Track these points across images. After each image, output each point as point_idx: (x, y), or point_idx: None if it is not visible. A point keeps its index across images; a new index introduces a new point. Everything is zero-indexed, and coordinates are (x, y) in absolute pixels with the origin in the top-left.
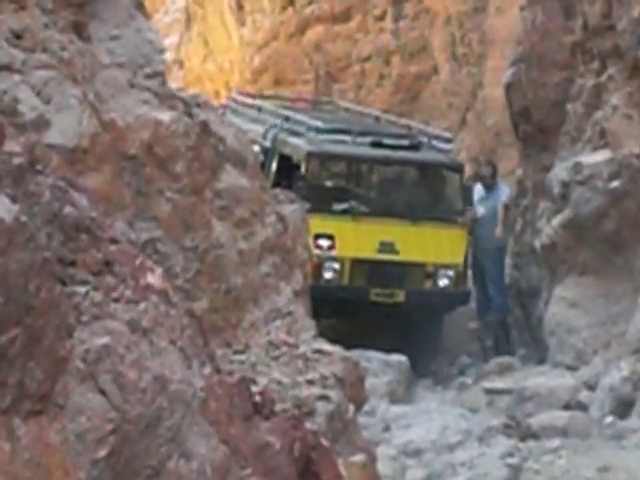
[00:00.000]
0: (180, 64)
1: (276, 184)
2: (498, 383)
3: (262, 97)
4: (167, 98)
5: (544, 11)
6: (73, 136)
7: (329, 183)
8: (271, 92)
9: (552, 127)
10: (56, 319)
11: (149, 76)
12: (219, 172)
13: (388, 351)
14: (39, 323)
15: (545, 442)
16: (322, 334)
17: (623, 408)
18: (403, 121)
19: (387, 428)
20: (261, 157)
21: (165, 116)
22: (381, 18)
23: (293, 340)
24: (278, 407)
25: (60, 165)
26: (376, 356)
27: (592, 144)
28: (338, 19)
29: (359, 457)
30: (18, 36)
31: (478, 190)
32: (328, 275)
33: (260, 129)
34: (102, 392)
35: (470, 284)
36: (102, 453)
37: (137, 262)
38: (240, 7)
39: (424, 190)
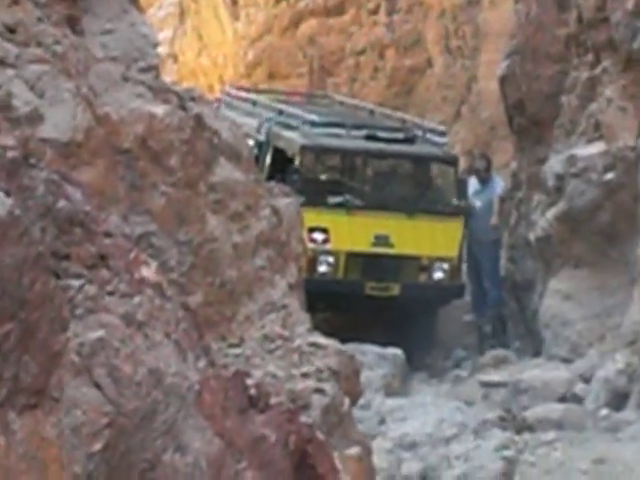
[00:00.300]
0: (174, 58)
1: (270, 178)
2: (493, 376)
3: (256, 91)
4: (161, 92)
5: (538, 4)
6: (67, 130)
7: (323, 176)
8: (265, 86)
9: (546, 120)
10: (50, 313)
11: (143, 70)
12: (213, 166)
13: (383, 344)
14: (33, 317)
15: (540, 435)
16: (317, 328)
17: (618, 400)
18: (397, 114)
19: (382, 421)
20: (255, 151)
21: (159, 110)
22: (375, 11)
23: (288, 333)
24: (273, 400)
25: (54, 159)
26: (371, 349)
27: (586, 137)
28: (332, 12)
29: (354, 450)
30: (11, 30)
31: (473, 183)
32: (323, 269)
33: (254, 123)
34: (97, 386)
35: (465, 277)
36: (97, 447)
37: (131, 256)
38: (234, 1)
39: (419, 183)
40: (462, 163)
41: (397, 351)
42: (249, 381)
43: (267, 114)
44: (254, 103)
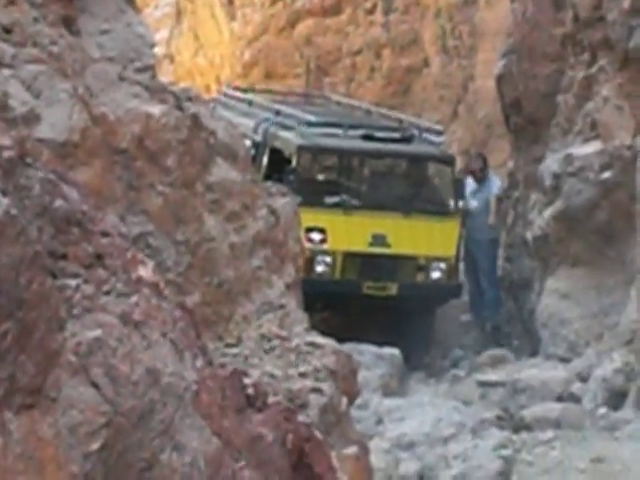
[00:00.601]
0: (170, 58)
1: (267, 178)
2: (491, 375)
3: (253, 91)
4: (158, 92)
5: (534, 3)
6: (63, 130)
7: (320, 176)
8: (262, 86)
9: (543, 119)
10: (47, 312)
11: (139, 70)
12: (210, 165)
13: (381, 344)
14: (30, 316)
15: (538, 434)
16: (315, 327)
17: (616, 399)
18: (394, 114)
19: (380, 421)
20: (252, 151)
21: (156, 110)
22: (371, 11)
23: (285, 333)
24: (271, 400)
25: (50, 159)
26: (369, 349)
27: (583, 136)
28: (329, 12)
29: (352, 450)
30: (8, 30)
31: (469, 183)
32: (320, 269)
33: (251, 123)
34: (94, 385)
35: (462, 276)
36: (94, 446)
37: (128, 255)
38: (230, 1)
39: (416, 183)
40: (459, 162)
41: (394, 351)
42: (246, 380)
43: (264, 114)
44: (250, 103)
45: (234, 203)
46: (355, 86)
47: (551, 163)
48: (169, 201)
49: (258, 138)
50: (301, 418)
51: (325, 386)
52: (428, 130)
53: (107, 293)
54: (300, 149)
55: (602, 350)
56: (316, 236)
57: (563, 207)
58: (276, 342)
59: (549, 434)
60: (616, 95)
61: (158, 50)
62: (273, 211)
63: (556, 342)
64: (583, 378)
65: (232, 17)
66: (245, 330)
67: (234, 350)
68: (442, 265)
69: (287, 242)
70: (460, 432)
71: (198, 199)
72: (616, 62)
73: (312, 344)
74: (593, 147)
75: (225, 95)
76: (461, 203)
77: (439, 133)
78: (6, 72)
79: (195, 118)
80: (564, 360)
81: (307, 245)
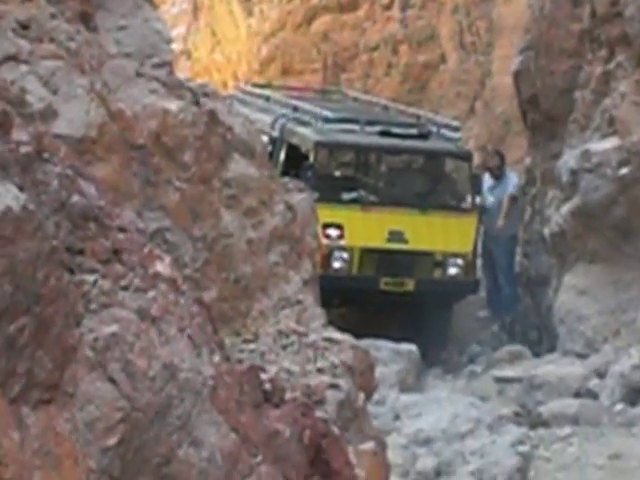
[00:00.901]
0: (188, 55)
1: (284, 174)
2: (508, 371)
3: (270, 87)
4: (175, 87)
5: None
6: (81, 126)
7: (337, 172)
8: (279, 82)
9: (560, 115)
10: (65, 308)
11: (157, 66)
12: (227, 161)
13: (398, 340)
14: (48, 312)
15: (555, 430)
16: (332, 323)
17: (633, 395)
18: (411, 110)
19: (397, 417)
20: (269, 147)
21: (173, 105)
22: (388, 7)
23: (302, 329)
24: (288, 395)
25: (68, 155)
26: (386, 345)
27: (601, 132)
28: (346, 8)
29: (369, 445)
30: (25, 26)
31: (486, 180)
32: (337, 265)
33: (268, 119)
34: (111, 380)
35: (480, 272)
36: (112, 441)
37: (145, 250)
38: None
39: (433, 179)
40: (476, 159)
41: (412, 347)
42: (264, 376)
43: (281, 110)
44: (268, 99)
45: (251, 199)
46: (372, 82)
47: (568, 159)
48: (186, 197)
49: (275, 134)
50: (318, 414)
51: (342, 382)
52: (445, 126)
53: (124, 288)
54: (317, 145)
55: (619, 346)
56: (333, 232)
57: (580, 203)
58: (293, 338)
59: (566, 430)
60: (634, 91)
61: (175, 46)
62: (290, 207)
63: (573, 338)
64: (600, 374)
65: (249, 13)
66: (262, 326)
67: (251, 346)
68: (459, 261)
69: (304, 238)
70: (477, 428)
71: (215, 195)
72: (634, 58)
73: (329, 340)
74: (611, 143)
75: (242, 91)
76: (478, 199)
77: (456, 129)
78: (23, 68)
79: (212, 114)
80: (581, 356)
81: (324, 241)
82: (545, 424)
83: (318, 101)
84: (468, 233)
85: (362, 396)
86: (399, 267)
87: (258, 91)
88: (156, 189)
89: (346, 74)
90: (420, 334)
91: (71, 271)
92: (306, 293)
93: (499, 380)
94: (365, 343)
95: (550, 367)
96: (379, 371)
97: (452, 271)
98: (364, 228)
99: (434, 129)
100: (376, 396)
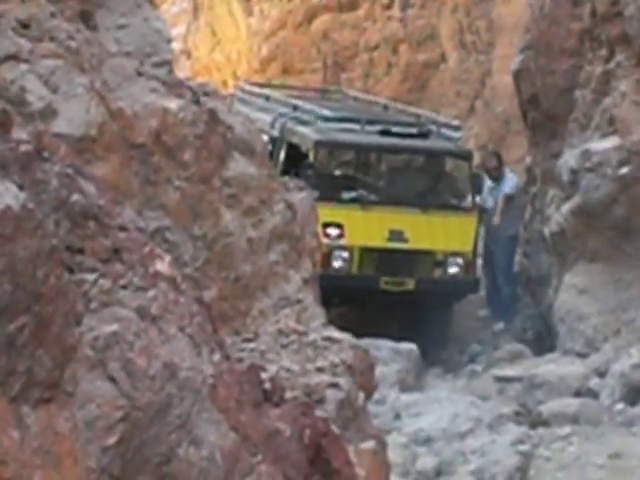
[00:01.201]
0: (188, 54)
1: (284, 173)
2: (508, 371)
3: (270, 86)
4: (175, 86)
5: None
6: (81, 125)
7: (337, 172)
8: (279, 81)
9: (561, 114)
10: (64, 307)
11: (157, 65)
12: (227, 160)
13: (398, 339)
14: (47, 311)
15: (556, 429)
16: (332, 322)
17: (633, 395)
18: (411, 109)
19: (397, 416)
20: (269, 146)
21: (173, 104)
22: (389, 6)
23: (302, 328)
24: (288, 394)
25: (68, 154)
26: (386, 344)
27: (601, 131)
28: (346, 8)
29: (369, 444)
30: (25, 25)
31: (487, 181)
32: (337, 264)
33: (268, 118)
34: (111, 379)
35: (480, 272)
36: (111, 440)
37: (145, 250)
38: None
39: (433, 178)
40: (476, 158)
41: (412, 346)
42: (264, 375)
43: (281, 109)
44: (268, 98)
45: (251, 198)
46: (372, 81)
47: (569, 158)
48: (186, 196)
49: (275, 133)
50: (318, 413)
51: (342, 381)
52: (445, 125)
53: (124, 287)
54: (317, 144)
55: (620, 345)
56: (333, 231)
57: (581, 202)
58: (293, 337)
59: (567, 429)
60: (634, 90)
61: (175, 45)
62: (290, 206)
63: (574, 337)
64: (601, 373)
65: (249, 12)
66: (262, 325)
67: (251, 345)
68: (459, 260)
69: (304, 237)
70: (477, 427)
71: (215, 194)
72: (634, 57)
73: (329, 339)
74: (611, 142)
75: (242, 90)
76: (478, 199)
77: (456, 128)
78: (23, 67)
79: (212, 113)
80: (582, 355)
81: (324, 240)
82: (545, 423)
83: (318, 100)
84: (468, 232)
85: (362, 395)
86: (399, 266)
87: (258, 90)
88: (156, 188)
89: (346, 73)
90: (420, 333)
91: (71, 270)
92: (306, 292)
93: (499, 379)
94: (365, 342)
95: (550, 366)
96: (379, 370)
97: (452, 270)
98: (364, 227)
99: (434, 128)
100: (376, 395)
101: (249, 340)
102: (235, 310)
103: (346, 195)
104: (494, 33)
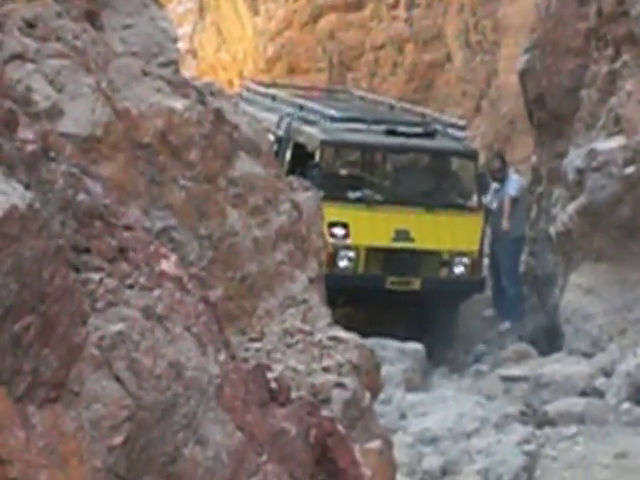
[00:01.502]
0: (193, 54)
1: (290, 172)
2: (514, 370)
3: (276, 86)
4: (180, 86)
5: None
6: (87, 125)
7: (343, 171)
8: (285, 81)
9: (566, 114)
10: (70, 306)
11: (162, 64)
12: (233, 160)
13: (404, 339)
14: (53, 310)
15: (562, 429)
16: (337, 322)
17: (639, 394)
18: (417, 109)
19: (403, 416)
20: (275, 146)
21: (179, 104)
22: (394, 6)
23: (308, 328)
24: (294, 394)
25: (74, 154)
26: (392, 344)
27: (607, 130)
28: (351, 7)
29: (375, 444)
30: (31, 25)
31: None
32: (343, 264)
33: (274, 118)
34: (117, 379)
35: (486, 272)
36: (117, 440)
37: (151, 249)
38: None
39: (439, 178)
40: (482, 157)
41: (418, 346)
42: (270, 375)
43: (287, 109)
44: (274, 98)
45: (257, 197)
46: (378, 81)
47: (574, 158)
48: (192, 195)
49: (281, 133)
50: (324, 413)
51: (348, 381)
52: (451, 125)
53: (130, 287)
54: (323, 144)
55: (626, 345)
56: (339, 231)
57: (586, 202)
58: (299, 337)
59: (572, 429)
60: None
61: (181, 45)
62: (296, 206)
63: (579, 337)
64: (607, 373)
65: (255, 12)
66: (268, 325)
67: (257, 344)
68: (465, 260)
69: (310, 237)
70: (483, 427)
71: (221, 193)
72: None
73: (335, 339)
74: (616, 142)
75: (248, 90)
76: (483, 199)
77: (462, 128)
78: (29, 66)
79: (218, 113)
80: (587, 355)
81: (330, 240)
82: (551, 423)
83: (324, 100)
84: (474, 232)
85: (368, 395)
86: (405, 266)
87: (264, 90)
88: (162, 188)
89: (352, 73)
90: (426, 333)
91: (77, 270)
92: (312, 292)
93: (505, 379)
94: (371, 342)
95: (556, 366)
96: (385, 370)
97: (458, 270)
98: (370, 227)
99: (440, 128)
100: (382, 395)
101: (255, 340)
102: (241, 310)
103: (352, 195)
104: (500, 33)
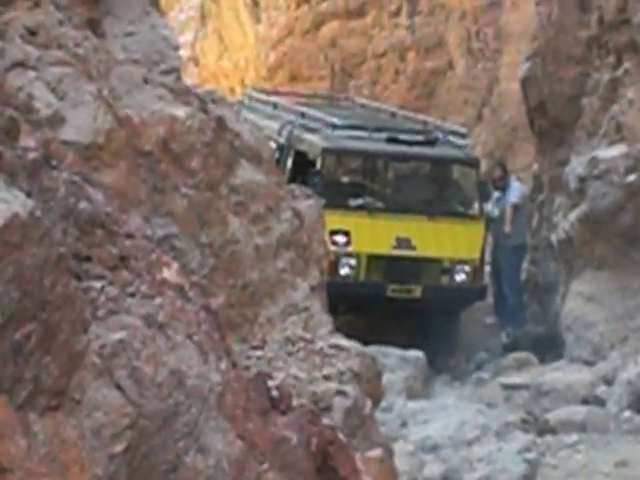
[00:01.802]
0: (195, 61)
1: (292, 180)
2: (515, 378)
3: (277, 93)
4: (182, 94)
5: (560, 5)
6: (88, 132)
7: (345, 179)
8: (287, 89)
9: (568, 122)
10: (71, 314)
11: (164, 72)
12: (235, 168)
13: (405, 347)
14: (54, 318)
15: (563, 437)
16: (339, 330)
17: None
18: (419, 117)
19: (404, 424)
20: (277, 153)
21: (180, 112)
22: (396, 14)
23: (310, 335)
24: (295, 402)
25: (75, 161)
26: (393, 352)
27: (608, 138)
28: (353, 15)
29: (376, 452)
30: (33, 33)
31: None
32: (344, 271)
33: (276, 125)
34: (118, 387)
35: (487, 279)
36: (119, 448)
37: (153, 257)
38: (255, 3)
39: (440, 186)
40: (483, 165)
41: (419, 354)
42: (271, 383)
43: (288, 117)
44: (275, 106)
45: (259, 205)
46: (380, 89)
47: (576, 166)
48: (194, 203)
49: (283, 140)
50: (325, 421)
51: (349, 389)
52: (452, 133)
53: (131, 295)
54: (325, 151)
55: (627, 353)
56: (340, 239)
57: (588, 210)
58: (300, 345)
59: (573, 437)
60: None
61: (183, 53)
62: (297, 213)
63: (581, 345)
64: (608, 381)
65: (257, 20)
66: (269, 332)
67: (258, 352)
68: (466, 268)
69: (311, 244)
70: (484, 435)
71: (223, 201)
72: None
73: (336, 347)
74: (618, 150)
75: (250, 98)
76: (485, 207)
77: (463, 136)
78: (31, 74)
79: (220, 120)
80: (589, 363)
81: (331, 248)
82: (552, 431)
83: (325, 108)
84: (475, 240)
85: (369, 403)
86: (406, 274)
87: (265, 97)
88: (163, 195)
89: (354, 80)
90: (427, 341)
91: (78, 278)
92: (313, 300)
93: (506, 387)
94: (372, 350)
95: (557, 374)
96: (386, 378)
97: (459, 278)
98: (371, 235)
99: (441, 136)
100: (383, 403)
101: (256, 348)
102: (242, 318)
103: (353, 202)
104: (501, 40)
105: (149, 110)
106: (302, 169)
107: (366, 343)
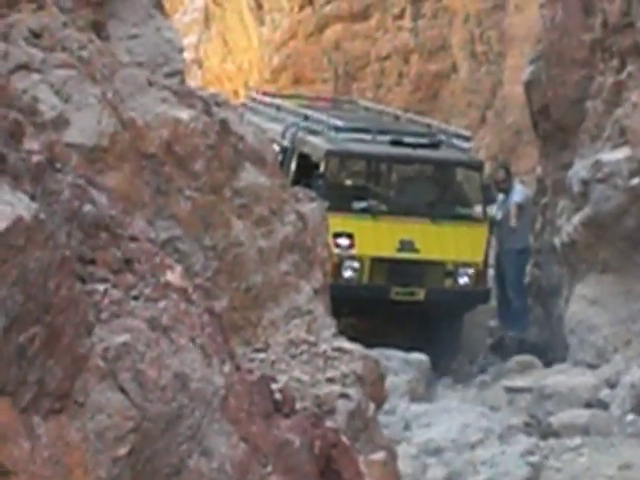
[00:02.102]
0: (199, 64)
1: (295, 183)
2: (518, 381)
3: (281, 96)
4: (186, 97)
5: (564, 9)
6: (92, 135)
7: (348, 182)
8: (290, 91)
9: (572, 125)
10: (75, 317)
11: (168, 75)
12: (238, 170)
13: (408, 350)
14: (58, 321)
15: (566, 440)
16: (342, 333)
17: None
18: (423, 119)
19: (407, 427)
20: (280, 156)
21: (184, 115)
22: (400, 17)
23: (313, 338)
24: (298, 405)
25: (80, 164)
26: (396, 355)
27: (612, 142)
28: (357, 18)
29: (380, 455)
30: (37, 35)
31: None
32: (348, 274)
33: (279, 128)
34: (122, 390)
35: (491, 282)
36: (122, 451)
37: (157, 260)
38: (259, 6)
39: (444, 188)
40: (487, 168)
41: (422, 356)
42: (274, 386)
43: (292, 119)
44: (279, 108)
45: (262, 208)
46: (383, 91)
47: (580, 169)
48: (197, 206)
49: (286, 143)
50: (329, 424)
51: (353, 391)
52: (456, 136)
53: (135, 298)
54: (328, 154)
55: (630, 356)
56: (344, 241)
57: (592, 213)
58: (304, 347)
59: (577, 440)
60: None
61: (187, 55)
62: (301, 216)
63: (584, 348)
64: (611, 384)
65: (261, 22)
66: (273, 335)
67: (262, 355)
68: (470, 271)
69: (315, 247)
70: (487, 438)
71: (226, 204)
72: None
73: (340, 349)
74: (622, 153)
75: (253, 100)
76: (488, 210)
77: (467, 139)
78: (35, 77)
79: (223, 123)
80: (592, 366)
81: (335, 250)
82: (555, 434)
83: (329, 110)
84: (479, 243)
85: (372, 406)
86: (410, 276)
87: (269, 100)
88: (167, 198)
89: (357, 83)
90: (431, 344)
91: (82, 280)
92: (317, 302)
93: (509, 390)
94: (375, 353)
95: (561, 377)
96: (389, 381)
97: (463, 281)
98: (375, 237)
99: (445, 138)
100: (386, 406)
101: (260, 350)
102: (246, 320)
103: (357, 205)
104: (505, 43)
105: (153, 113)
106: (306, 172)
107: (369, 346)
